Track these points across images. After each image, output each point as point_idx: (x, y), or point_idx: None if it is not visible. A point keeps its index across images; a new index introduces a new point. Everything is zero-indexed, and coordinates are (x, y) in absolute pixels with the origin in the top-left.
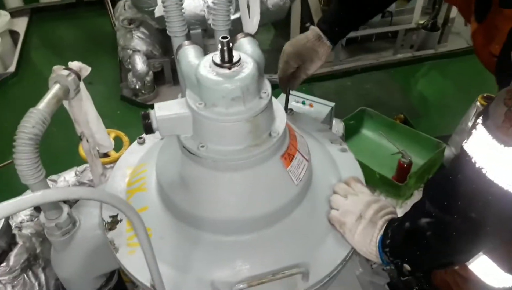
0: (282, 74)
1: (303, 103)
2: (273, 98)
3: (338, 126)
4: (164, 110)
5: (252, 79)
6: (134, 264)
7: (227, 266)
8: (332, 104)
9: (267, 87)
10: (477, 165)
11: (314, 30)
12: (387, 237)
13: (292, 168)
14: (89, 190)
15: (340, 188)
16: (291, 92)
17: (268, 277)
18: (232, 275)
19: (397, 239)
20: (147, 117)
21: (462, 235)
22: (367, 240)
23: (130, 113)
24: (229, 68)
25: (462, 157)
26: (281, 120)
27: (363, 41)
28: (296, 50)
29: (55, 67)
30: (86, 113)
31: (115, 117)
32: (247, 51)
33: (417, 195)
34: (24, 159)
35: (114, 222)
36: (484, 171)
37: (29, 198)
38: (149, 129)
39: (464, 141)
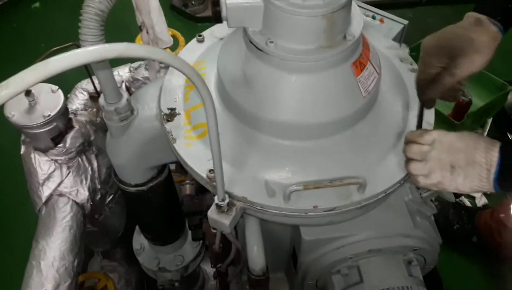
0: (420, 78)
1: (373, 17)
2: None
3: (404, 51)
4: None
5: None
6: (191, 155)
7: (282, 169)
8: (405, 22)
9: None
10: None
11: (470, 15)
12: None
13: (362, 78)
14: (171, 56)
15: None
16: (360, 4)
17: (325, 183)
18: (286, 178)
19: None
20: (216, 3)
21: None
22: (475, 183)
23: (178, 24)
24: None
25: None
26: (358, 23)
27: None
28: (440, 41)
29: None
30: (148, 0)
31: None
32: None
33: None
34: (90, 35)
35: (172, 115)
36: None
37: (113, 46)
38: (217, 17)
39: None
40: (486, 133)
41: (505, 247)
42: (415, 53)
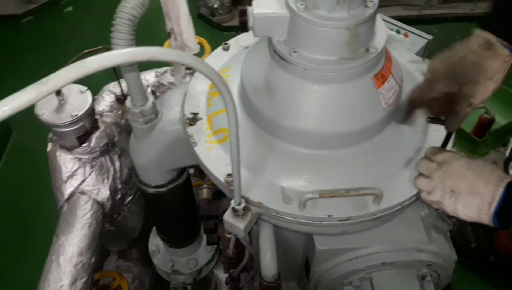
0: (415, 96)
1: (398, 31)
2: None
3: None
4: (262, 7)
5: None
6: (210, 159)
7: (299, 177)
8: (430, 36)
9: None
10: None
11: (479, 35)
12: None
13: (383, 91)
14: (199, 61)
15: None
16: (384, 17)
17: (341, 192)
18: (302, 186)
19: None
20: (244, 13)
21: None
22: (474, 213)
23: (205, 33)
24: None
25: None
26: (381, 36)
27: None
28: (449, 68)
29: None
30: (178, 8)
31: None
32: None
33: (493, 155)
34: (121, 39)
35: (194, 119)
36: None
37: (146, 49)
38: (244, 27)
39: None
40: (508, 151)
41: None
42: None
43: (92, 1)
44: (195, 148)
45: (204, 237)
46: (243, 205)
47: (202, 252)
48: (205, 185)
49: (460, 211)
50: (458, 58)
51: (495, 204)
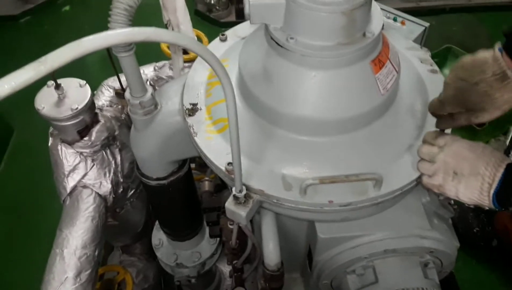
0: (432, 111)
1: (395, 19)
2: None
3: (424, 52)
4: None
5: None
6: (211, 148)
7: (300, 163)
8: (426, 24)
9: None
10: None
11: (498, 58)
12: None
13: (380, 76)
14: (195, 43)
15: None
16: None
17: (341, 177)
18: (303, 173)
19: None
20: (240, 1)
21: None
22: (475, 195)
23: (202, 29)
24: None
25: None
26: (378, 21)
27: None
28: (460, 92)
29: None
30: None
31: None
32: None
33: (493, 144)
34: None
35: (194, 110)
36: None
37: (142, 29)
38: (240, 14)
39: None
40: (508, 140)
41: None
42: (437, 59)
43: (89, 0)
44: (195, 138)
45: (207, 230)
46: (244, 192)
47: (205, 245)
48: (206, 178)
49: (461, 194)
50: (470, 84)
51: (495, 185)
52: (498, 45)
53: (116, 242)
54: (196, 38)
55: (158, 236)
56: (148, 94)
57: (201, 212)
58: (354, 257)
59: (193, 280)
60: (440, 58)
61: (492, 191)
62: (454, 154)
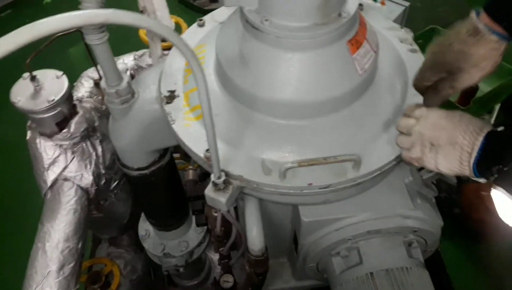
0: (415, 83)
1: (375, 0)
2: None
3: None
4: None
5: None
6: (189, 135)
7: (278, 148)
8: (407, 3)
9: None
10: None
11: (471, 21)
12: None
13: (357, 56)
14: (158, 24)
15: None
16: None
17: (320, 160)
18: (282, 157)
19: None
20: None
21: None
22: (455, 165)
23: (186, 17)
24: None
25: None
26: (353, 1)
27: None
28: (436, 57)
29: None
30: None
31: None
32: None
33: None
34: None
35: (171, 97)
36: None
37: (100, 11)
38: None
39: None
40: (493, 119)
41: (480, 225)
42: (421, 41)
43: None
44: (173, 126)
45: (194, 219)
46: (223, 178)
47: (192, 234)
48: (190, 167)
49: (441, 165)
50: (445, 46)
51: (474, 154)
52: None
53: (103, 234)
54: (173, 24)
55: (145, 227)
56: (124, 82)
57: (186, 201)
58: (338, 239)
59: (181, 269)
60: (425, 39)
61: (472, 161)
62: (430, 125)
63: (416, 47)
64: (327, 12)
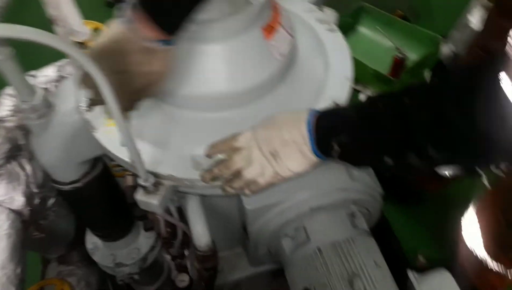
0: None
1: None
2: None
3: (322, 13)
4: None
5: None
6: (112, 142)
7: (207, 141)
8: None
9: None
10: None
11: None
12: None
13: (273, 42)
14: (37, 32)
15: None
16: None
17: None
18: None
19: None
20: None
21: None
22: (303, 160)
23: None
24: None
25: None
26: None
27: None
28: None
29: None
30: None
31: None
32: None
33: None
34: None
35: (91, 105)
36: None
37: None
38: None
39: None
40: None
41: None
42: (352, 20)
43: None
44: (95, 134)
45: (142, 224)
46: (151, 180)
47: (143, 240)
48: (128, 173)
49: (293, 166)
50: None
51: (307, 140)
52: None
53: (51, 254)
54: (88, 29)
55: (91, 240)
56: (38, 96)
57: (128, 208)
58: (283, 221)
59: (136, 277)
60: (354, 17)
61: (310, 146)
62: (262, 140)
63: (334, 27)
64: (235, 1)
